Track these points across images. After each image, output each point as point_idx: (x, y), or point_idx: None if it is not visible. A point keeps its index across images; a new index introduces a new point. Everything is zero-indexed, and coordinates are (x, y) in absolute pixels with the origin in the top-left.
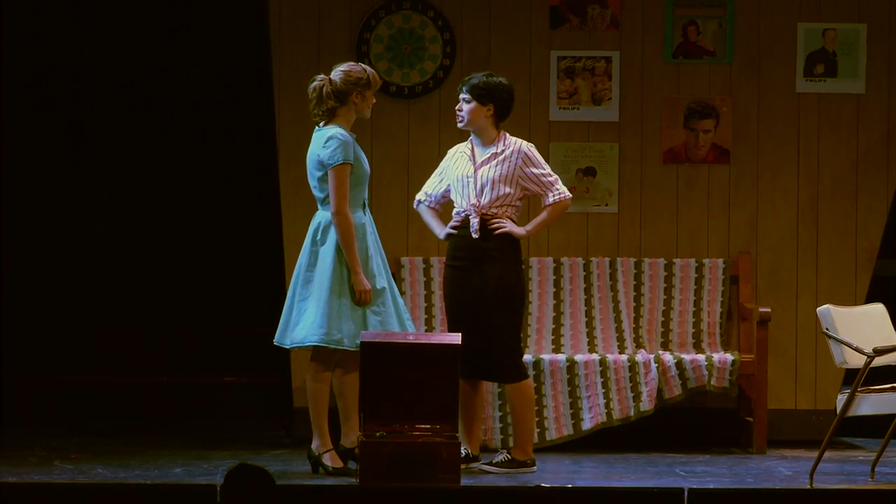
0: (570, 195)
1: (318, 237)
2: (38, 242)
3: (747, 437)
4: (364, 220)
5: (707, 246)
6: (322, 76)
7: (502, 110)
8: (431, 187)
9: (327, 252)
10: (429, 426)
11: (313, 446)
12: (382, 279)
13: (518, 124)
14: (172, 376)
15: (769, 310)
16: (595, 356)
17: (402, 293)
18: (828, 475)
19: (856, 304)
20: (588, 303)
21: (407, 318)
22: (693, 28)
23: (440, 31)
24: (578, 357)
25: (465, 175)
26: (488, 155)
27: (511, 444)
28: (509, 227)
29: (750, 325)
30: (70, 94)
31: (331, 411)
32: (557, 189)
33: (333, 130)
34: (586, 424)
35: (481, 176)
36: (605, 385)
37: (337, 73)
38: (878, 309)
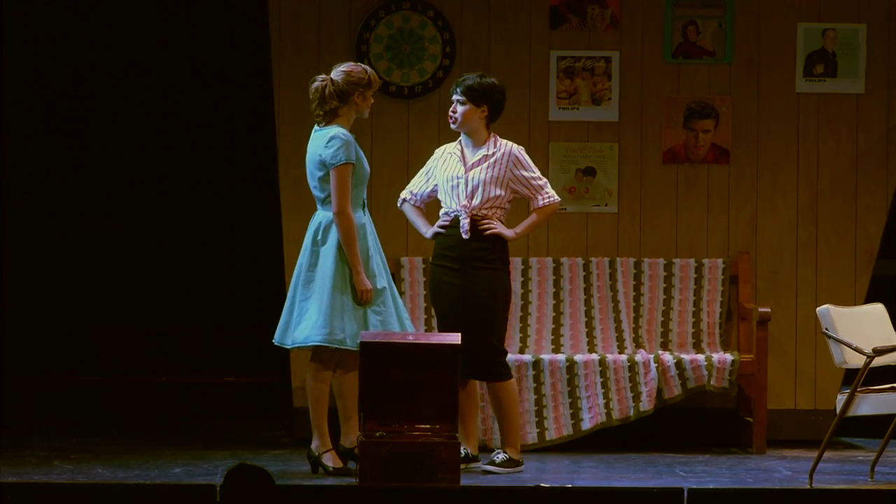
0: (559, 199)
1: (319, 237)
2: (38, 242)
3: (747, 437)
4: (364, 219)
5: (707, 246)
6: (323, 76)
7: (495, 111)
8: (417, 186)
9: (328, 252)
10: (428, 426)
11: (313, 446)
12: (383, 279)
13: (518, 124)
14: (172, 376)
15: (769, 310)
16: (595, 356)
17: (402, 293)
18: (827, 475)
19: (855, 304)
20: (588, 303)
21: (406, 318)
22: (693, 28)
23: (440, 30)
24: (578, 357)
25: (455, 176)
26: (479, 157)
27: (501, 443)
28: (499, 228)
29: (749, 325)
30: (70, 94)
31: (331, 411)
32: (546, 192)
33: (335, 130)
34: (586, 424)
35: (472, 178)
36: (604, 385)
37: (338, 74)
38: (878, 309)
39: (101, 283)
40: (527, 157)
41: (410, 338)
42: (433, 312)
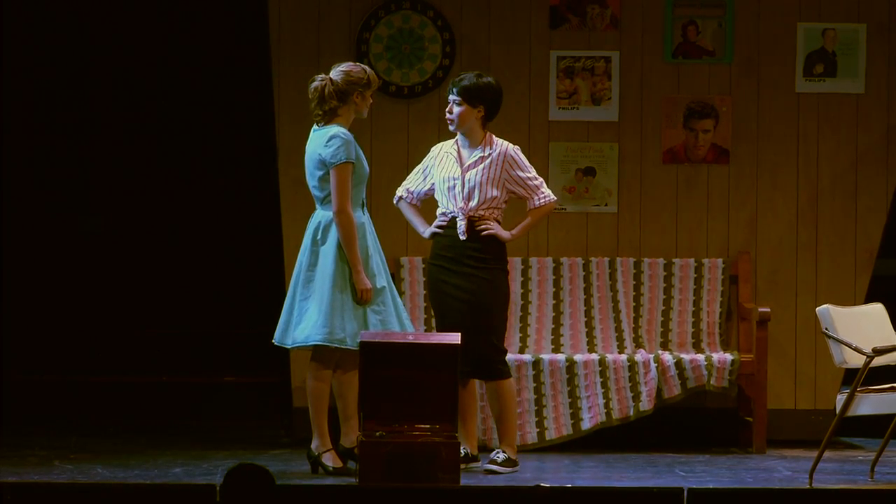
0: (555, 198)
1: (319, 237)
2: (37, 242)
3: (747, 437)
4: (363, 219)
5: (706, 246)
6: (322, 76)
7: (492, 111)
8: (414, 184)
9: (328, 251)
10: (428, 426)
11: (313, 446)
12: (382, 278)
13: (517, 124)
14: (172, 376)
15: (768, 309)
16: (594, 356)
17: (402, 293)
18: (827, 475)
19: (855, 303)
20: (588, 303)
21: (406, 317)
22: (693, 28)
23: (440, 30)
24: (578, 357)
25: (452, 177)
26: (476, 158)
27: (499, 442)
28: (496, 229)
29: (749, 324)
30: (70, 94)
31: (331, 411)
32: (543, 193)
33: (335, 129)
34: (586, 424)
35: (469, 179)
36: (604, 385)
37: (337, 73)
38: (878, 309)
39: (101, 282)
40: (523, 158)
41: (410, 337)
42: (433, 312)
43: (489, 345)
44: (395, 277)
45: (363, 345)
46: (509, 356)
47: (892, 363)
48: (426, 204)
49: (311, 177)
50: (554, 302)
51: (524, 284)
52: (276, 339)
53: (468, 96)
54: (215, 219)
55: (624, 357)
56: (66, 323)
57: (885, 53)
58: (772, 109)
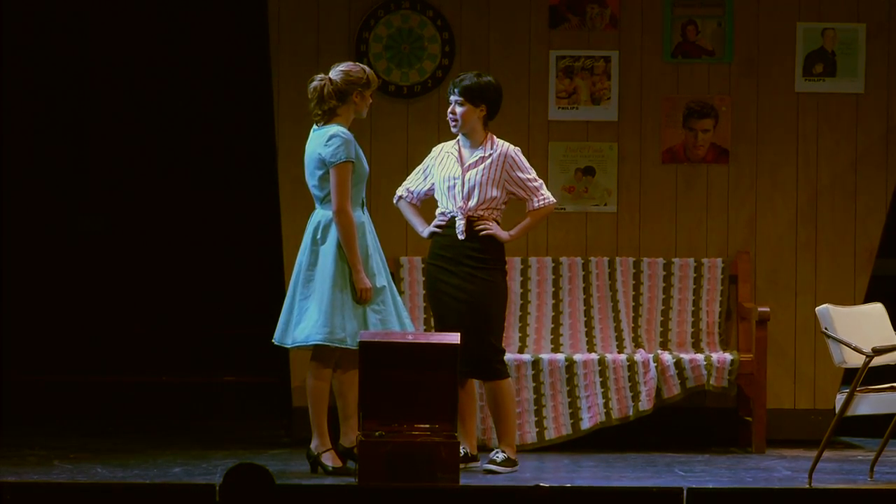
0: (555, 200)
1: (319, 236)
2: (37, 242)
3: (746, 437)
4: (363, 218)
5: (706, 245)
6: (322, 76)
7: (493, 111)
8: (414, 184)
9: (328, 251)
10: (428, 426)
11: (312, 446)
12: (382, 278)
13: (517, 124)
14: (172, 376)
15: (768, 309)
16: (594, 356)
17: (402, 293)
18: (827, 475)
19: (855, 303)
20: (587, 302)
21: (406, 316)
22: (692, 27)
23: (439, 30)
24: (577, 357)
25: (452, 177)
26: (476, 158)
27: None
28: (495, 230)
29: (749, 324)
30: (70, 94)
31: (331, 411)
32: (542, 194)
33: (335, 129)
34: (585, 424)
35: (469, 179)
36: (603, 385)
37: (337, 73)
38: (877, 308)
39: (101, 282)
40: (523, 159)
41: (410, 337)
42: (431, 312)
43: (487, 345)
44: (395, 277)
45: (363, 344)
46: (509, 356)
47: (892, 363)
48: (426, 204)
49: (311, 176)
50: (553, 302)
51: (523, 284)
52: (276, 338)
53: (470, 96)
54: (215, 218)
55: (623, 357)
56: (67, 323)
57: (884, 53)
58: (771, 109)
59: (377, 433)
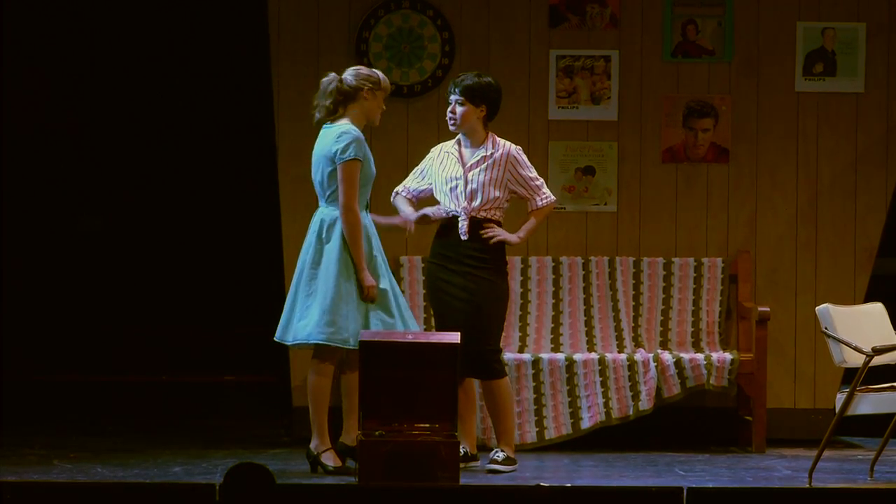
0: (555, 198)
1: (323, 234)
2: (37, 242)
3: (746, 437)
4: (366, 220)
5: (706, 245)
6: (334, 74)
7: (493, 110)
8: (413, 183)
9: (332, 250)
10: (428, 425)
11: (312, 445)
12: (385, 280)
13: (517, 123)
14: (172, 375)
15: (768, 309)
16: (594, 355)
17: (402, 293)
18: (827, 474)
19: (855, 303)
20: (587, 302)
21: (409, 316)
22: (692, 27)
23: (439, 30)
24: (577, 356)
25: (454, 177)
26: (478, 158)
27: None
28: (503, 235)
29: (749, 324)
30: (70, 94)
31: (331, 410)
32: (544, 193)
33: (346, 126)
34: (585, 423)
35: (472, 179)
36: (604, 384)
37: (349, 72)
38: (877, 308)
39: (101, 282)
40: (525, 158)
41: (410, 337)
42: (431, 311)
43: (486, 345)
44: (396, 277)
45: (363, 344)
46: (509, 356)
47: (892, 362)
48: (423, 203)
49: (319, 172)
50: (553, 301)
51: (523, 284)
52: (277, 335)
53: (471, 96)
54: (215, 217)
55: (623, 356)
56: (67, 323)
57: (884, 53)
58: (771, 108)
59: (377, 433)
